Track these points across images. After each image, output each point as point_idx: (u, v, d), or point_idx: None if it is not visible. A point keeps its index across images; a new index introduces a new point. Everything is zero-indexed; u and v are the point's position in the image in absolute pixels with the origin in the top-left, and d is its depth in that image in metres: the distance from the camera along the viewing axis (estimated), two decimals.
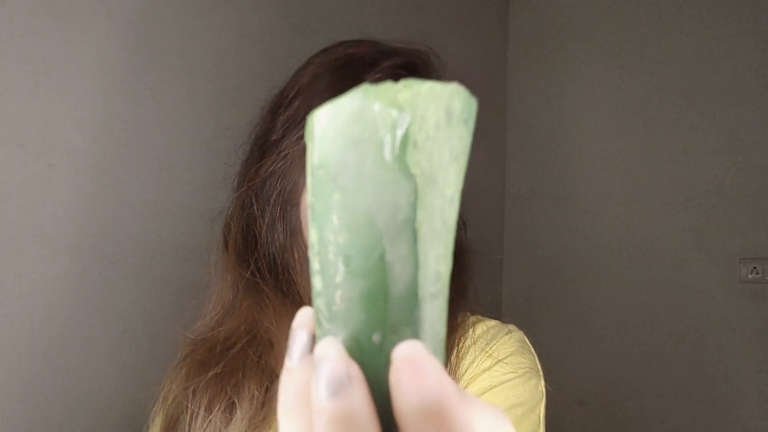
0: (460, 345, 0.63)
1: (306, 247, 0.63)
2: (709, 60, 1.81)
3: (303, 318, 0.23)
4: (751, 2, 1.74)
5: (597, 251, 2.00)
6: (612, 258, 1.97)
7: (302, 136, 0.62)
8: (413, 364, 0.19)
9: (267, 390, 0.60)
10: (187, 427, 0.60)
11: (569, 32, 2.12)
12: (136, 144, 1.10)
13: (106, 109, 1.06)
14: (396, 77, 0.66)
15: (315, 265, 0.22)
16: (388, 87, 0.20)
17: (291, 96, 0.66)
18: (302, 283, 0.64)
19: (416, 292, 0.20)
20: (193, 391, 0.61)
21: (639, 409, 1.87)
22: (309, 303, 0.63)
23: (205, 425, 0.59)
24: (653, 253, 1.88)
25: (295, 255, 0.64)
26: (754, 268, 1.70)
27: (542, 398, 0.64)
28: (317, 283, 0.22)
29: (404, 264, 0.20)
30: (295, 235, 0.64)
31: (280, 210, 0.64)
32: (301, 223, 0.64)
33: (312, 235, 0.22)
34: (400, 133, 0.20)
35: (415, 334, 0.20)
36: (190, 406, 0.60)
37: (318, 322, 0.22)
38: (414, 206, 0.20)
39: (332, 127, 0.20)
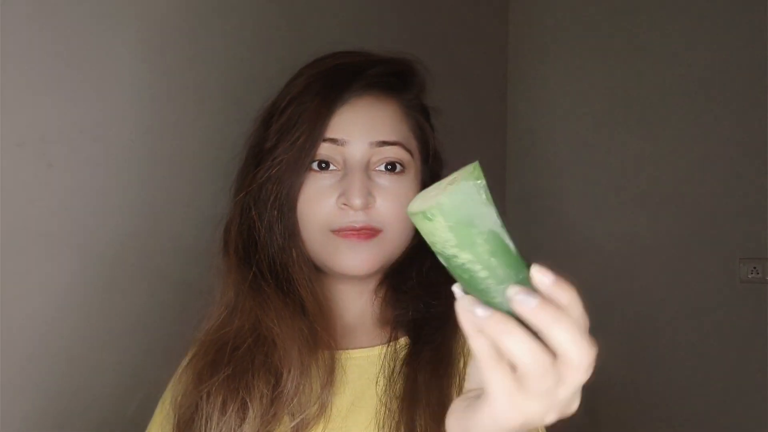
0: (466, 351, 0.64)
1: (303, 247, 0.66)
2: (709, 61, 1.81)
3: (463, 299, 0.39)
4: (750, 3, 1.74)
5: (597, 251, 2.00)
6: (612, 258, 1.97)
7: (295, 142, 0.65)
8: (518, 296, 0.37)
9: (274, 388, 0.62)
10: (203, 428, 0.61)
11: (569, 33, 2.13)
12: (137, 145, 1.11)
13: (106, 110, 1.07)
14: (382, 84, 0.68)
15: (476, 267, 0.39)
16: (473, 172, 0.38)
17: (283, 105, 0.69)
18: (301, 282, 0.66)
19: (517, 268, 0.39)
20: (207, 393, 0.62)
21: (639, 409, 1.87)
22: (307, 300, 0.65)
23: (221, 425, 0.60)
24: (653, 253, 1.88)
25: (294, 255, 0.66)
26: (754, 268, 1.70)
27: None
28: (481, 274, 0.39)
29: (508, 252, 0.39)
30: (293, 236, 0.66)
31: (278, 213, 0.66)
32: (298, 225, 0.66)
33: (466, 255, 0.38)
34: (484, 187, 0.38)
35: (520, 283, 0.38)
36: (205, 407, 0.62)
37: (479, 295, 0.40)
38: (501, 216, 0.39)
39: (457, 199, 0.38)
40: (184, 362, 0.70)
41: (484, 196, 0.38)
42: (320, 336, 0.65)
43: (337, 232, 0.64)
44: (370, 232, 0.64)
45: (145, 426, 0.72)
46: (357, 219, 0.64)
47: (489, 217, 0.38)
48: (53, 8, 1.00)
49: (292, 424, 0.60)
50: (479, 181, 0.37)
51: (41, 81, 0.99)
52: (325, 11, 1.48)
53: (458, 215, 0.37)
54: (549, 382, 0.38)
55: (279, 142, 0.67)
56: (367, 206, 0.64)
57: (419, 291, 0.69)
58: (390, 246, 0.66)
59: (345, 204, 0.64)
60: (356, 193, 0.63)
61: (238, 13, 1.28)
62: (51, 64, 1.00)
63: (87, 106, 1.04)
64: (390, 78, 0.69)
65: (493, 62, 2.22)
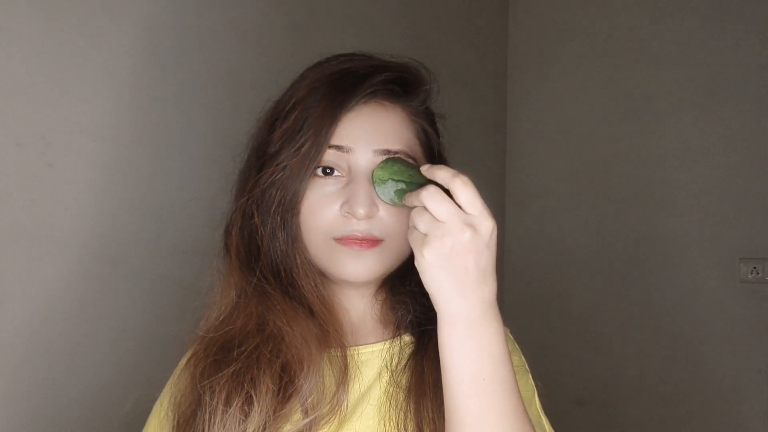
0: None
1: (306, 253, 0.67)
2: (709, 59, 1.81)
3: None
4: (751, 2, 1.74)
5: (597, 251, 2.00)
6: (612, 258, 1.97)
7: (300, 148, 0.65)
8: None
9: (286, 386, 0.62)
10: (206, 425, 0.61)
11: (569, 32, 2.13)
12: (137, 145, 1.11)
13: (106, 110, 1.07)
14: (388, 91, 0.68)
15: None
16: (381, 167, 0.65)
17: (288, 109, 0.68)
18: (306, 287, 0.66)
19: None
20: (211, 389, 0.62)
21: (639, 409, 1.87)
22: (314, 304, 0.66)
23: (225, 419, 0.60)
24: (653, 253, 1.88)
25: (297, 261, 0.66)
26: (754, 268, 1.70)
27: (535, 391, 0.69)
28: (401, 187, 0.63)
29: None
30: (297, 242, 0.66)
31: (281, 219, 0.66)
32: (301, 230, 0.66)
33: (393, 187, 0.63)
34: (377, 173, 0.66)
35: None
36: (208, 402, 0.61)
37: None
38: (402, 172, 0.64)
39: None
40: (183, 362, 0.70)
41: (378, 174, 0.64)
42: (331, 335, 0.65)
43: (339, 240, 0.65)
44: (371, 242, 0.64)
45: (141, 426, 0.71)
46: (359, 228, 0.64)
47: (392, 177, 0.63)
48: (53, 8, 1.00)
49: (305, 421, 0.61)
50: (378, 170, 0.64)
51: (41, 81, 0.99)
52: (325, 12, 1.48)
53: (375, 179, 0.64)
54: (436, 233, 0.54)
55: (283, 147, 0.66)
56: (370, 216, 0.64)
57: (420, 294, 0.70)
58: (391, 256, 0.67)
59: (348, 212, 0.64)
60: (360, 203, 0.63)
61: (240, 14, 1.28)
62: (51, 64, 1.00)
63: (87, 106, 1.04)
64: (395, 85, 0.69)
65: (493, 62, 2.22)
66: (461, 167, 0.58)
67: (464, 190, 0.54)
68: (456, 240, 0.53)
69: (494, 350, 0.56)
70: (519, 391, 0.58)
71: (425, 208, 0.55)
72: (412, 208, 0.59)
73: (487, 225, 0.54)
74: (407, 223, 0.65)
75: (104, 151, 1.06)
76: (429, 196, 0.54)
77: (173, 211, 1.15)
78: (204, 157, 1.18)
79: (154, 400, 0.72)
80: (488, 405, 0.55)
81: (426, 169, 0.58)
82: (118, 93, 1.08)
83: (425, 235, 0.55)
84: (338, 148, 0.65)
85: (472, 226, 0.54)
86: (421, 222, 0.55)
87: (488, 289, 0.55)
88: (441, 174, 0.56)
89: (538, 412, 0.68)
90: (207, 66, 1.22)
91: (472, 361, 0.55)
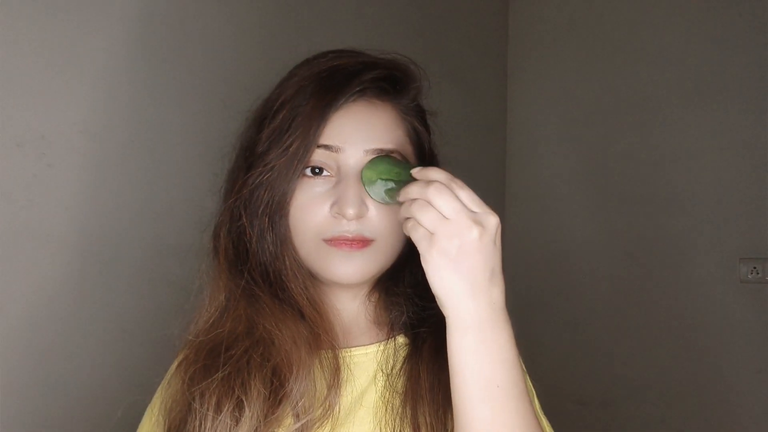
0: None
1: (295, 254, 0.66)
2: (709, 60, 1.81)
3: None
4: (750, 2, 1.74)
5: (597, 251, 2.00)
6: (612, 258, 1.97)
7: (288, 148, 0.64)
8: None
9: (276, 389, 0.61)
10: (196, 431, 0.60)
11: (569, 32, 2.13)
12: (136, 144, 1.11)
13: (105, 110, 1.07)
14: (377, 89, 0.67)
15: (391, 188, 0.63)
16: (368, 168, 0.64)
17: (276, 108, 0.67)
18: (296, 289, 0.65)
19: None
20: (201, 395, 0.61)
21: (639, 409, 1.87)
22: (304, 306, 0.65)
23: (216, 425, 0.59)
24: (653, 253, 1.88)
25: (287, 263, 0.65)
26: (754, 268, 1.70)
27: (533, 393, 0.68)
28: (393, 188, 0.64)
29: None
30: (285, 243, 0.65)
31: (269, 220, 0.65)
32: (290, 232, 0.65)
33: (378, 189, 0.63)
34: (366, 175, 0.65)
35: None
36: (198, 408, 0.60)
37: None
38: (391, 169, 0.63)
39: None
40: (174, 366, 0.69)
41: (367, 175, 0.63)
42: (321, 338, 0.64)
43: (329, 241, 0.64)
44: (362, 242, 0.64)
45: (133, 430, 0.71)
46: (350, 228, 0.63)
47: (380, 176, 0.63)
48: (53, 9, 1.00)
49: (297, 425, 0.60)
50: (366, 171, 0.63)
51: (41, 81, 0.99)
52: (324, 12, 1.48)
53: (364, 179, 0.63)
54: (444, 232, 0.53)
55: (271, 147, 0.65)
56: (360, 216, 0.63)
57: (414, 295, 0.69)
58: (382, 255, 0.66)
59: (338, 213, 0.63)
60: (350, 203, 0.62)
61: (238, 14, 1.28)
62: (50, 64, 1.00)
63: (87, 106, 1.04)
64: (385, 82, 0.68)
65: (493, 62, 2.22)
66: (461, 167, 0.58)
67: (462, 189, 0.54)
68: (464, 239, 0.53)
69: (506, 355, 0.55)
70: (529, 395, 0.57)
71: (429, 204, 0.54)
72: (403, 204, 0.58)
73: (493, 221, 0.54)
74: (398, 221, 0.64)
75: (104, 151, 1.06)
76: (437, 192, 0.53)
77: (173, 212, 1.15)
78: (204, 158, 1.18)
79: (144, 404, 0.71)
80: (501, 411, 0.54)
81: (417, 172, 0.57)
82: (118, 93, 1.08)
83: (432, 234, 0.54)
84: (327, 147, 0.64)
85: (479, 224, 0.53)
86: (425, 218, 0.54)
87: (497, 290, 0.55)
88: (436, 175, 0.55)
89: (537, 413, 0.67)
90: (206, 66, 1.22)
91: (485, 367, 0.54)
